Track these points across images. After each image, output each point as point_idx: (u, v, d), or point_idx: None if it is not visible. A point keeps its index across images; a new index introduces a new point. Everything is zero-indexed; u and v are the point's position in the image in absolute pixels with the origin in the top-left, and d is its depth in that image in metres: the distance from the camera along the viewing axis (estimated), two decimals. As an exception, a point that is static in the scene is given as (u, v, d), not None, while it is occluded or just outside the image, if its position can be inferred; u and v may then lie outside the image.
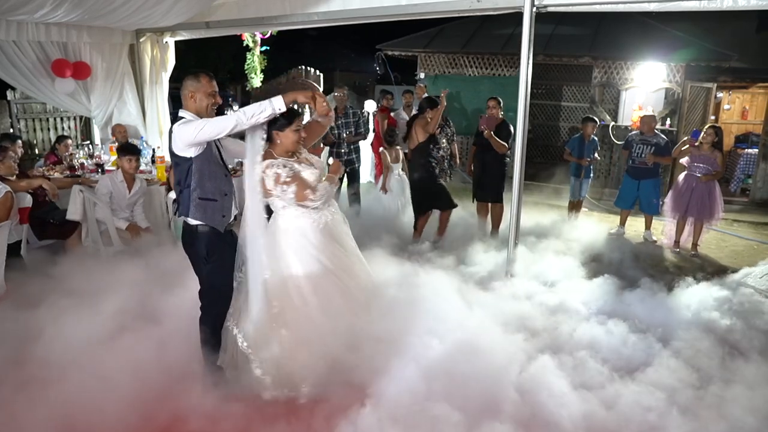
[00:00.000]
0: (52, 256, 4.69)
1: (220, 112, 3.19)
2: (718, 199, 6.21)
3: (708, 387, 3.10)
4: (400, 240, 5.70)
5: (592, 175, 7.23)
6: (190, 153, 2.99)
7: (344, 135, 6.67)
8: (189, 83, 3.06)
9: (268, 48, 10.56)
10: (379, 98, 8.53)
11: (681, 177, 6.42)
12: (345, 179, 6.92)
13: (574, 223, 7.16)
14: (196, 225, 3.08)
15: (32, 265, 4.52)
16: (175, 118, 3.23)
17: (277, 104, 2.85)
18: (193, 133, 2.91)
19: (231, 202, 3.21)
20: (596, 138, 7.22)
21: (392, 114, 8.29)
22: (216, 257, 3.12)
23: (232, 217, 3.22)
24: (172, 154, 3.08)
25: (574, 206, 7.27)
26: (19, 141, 5.72)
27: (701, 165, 6.15)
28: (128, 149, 5.13)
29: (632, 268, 5.46)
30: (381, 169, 7.70)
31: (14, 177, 4.73)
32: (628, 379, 3.16)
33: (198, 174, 3.03)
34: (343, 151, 6.70)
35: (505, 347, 3.37)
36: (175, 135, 2.99)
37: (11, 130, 8.44)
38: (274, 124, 3.08)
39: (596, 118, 7.21)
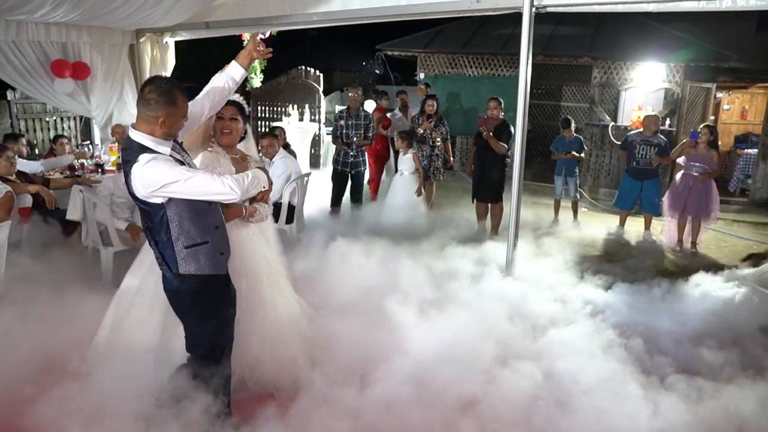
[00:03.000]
0: (51, 256, 4.69)
1: None
2: (714, 197, 6.25)
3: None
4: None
5: (577, 172, 7.31)
6: (159, 200, 2.33)
7: (354, 137, 6.59)
8: (161, 108, 2.31)
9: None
10: (375, 98, 8.49)
11: (678, 176, 6.44)
12: (350, 183, 6.85)
13: (574, 223, 7.20)
14: (184, 274, 2.44)
15: (31, 264, 4.51)
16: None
17: (264, 181, 2.62)
18: (168, 184, 2.26)
19: (225, 231, 2.61)
20: (580, 137, 7.37)
21: (388, 115, 8.27)
22: (207, 301, 2.53)
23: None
24: (132, 195, 2.37)
25: (559, 204, 7.41)
26: (23, 139, 5.81)
27: (698, 164, 6.17)
28: None
29: (634, 268, 5.46)
30: (371, 172, 7.67)
31: (13, 177, 4.74)
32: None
33: (177, 220, 2.38)
34: (351, 153, 6.65)
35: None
36: (138, 177, 2.27)
37: (11, 130, 8.44)
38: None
39: (571, 119, 7.33)
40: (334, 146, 6.93)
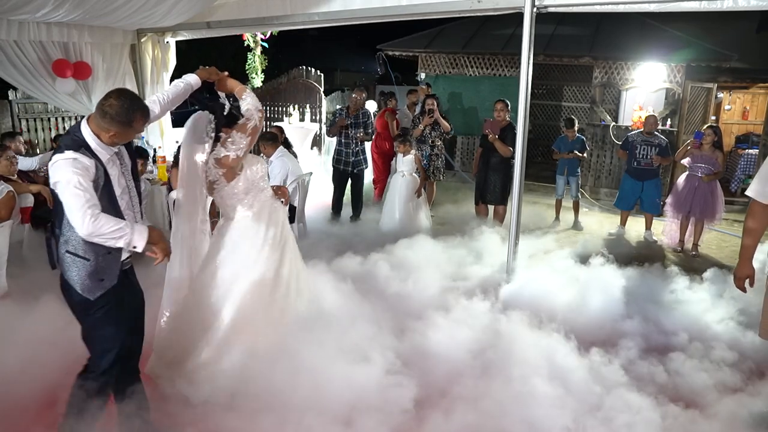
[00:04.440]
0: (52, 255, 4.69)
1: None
2: (719, 198, 6.25)
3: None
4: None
5: (579, 173, 7.32)
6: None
7: (357, 135, 6.65)
8: (115, 125, 2.34)
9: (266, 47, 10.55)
10: (384, 100, 8.57)
11: (682, 177, 6.43)
12: (350, 180, 6.87)
13: (575, 223, 7.20)
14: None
15: (33, 264, 4.52)
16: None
17: (137, 240, 2.33)
18: (57, 183, 2.26)
19: (118, 262, 2.46)
20: (583, 137, 7.36)
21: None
22: (101, 304, 2.42)
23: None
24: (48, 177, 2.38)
25: (561, 204, 7.40)
26: (20, 137, 5.83)
27: (703, 165, 6.17)
28: (138, 152, 5.17)
29: (635, 268, 5.46)
30: (377, 172, 7.68)
31: (15, 176, 4.75)
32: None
33: (69, 221, 2.27)
34: (351, 150, 6.70)
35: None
36: (51, 165, 2.31)
37: (12, 130, 8.45)
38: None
39: (575, 120, 7.32)
40: (334, 146, 6.94)
